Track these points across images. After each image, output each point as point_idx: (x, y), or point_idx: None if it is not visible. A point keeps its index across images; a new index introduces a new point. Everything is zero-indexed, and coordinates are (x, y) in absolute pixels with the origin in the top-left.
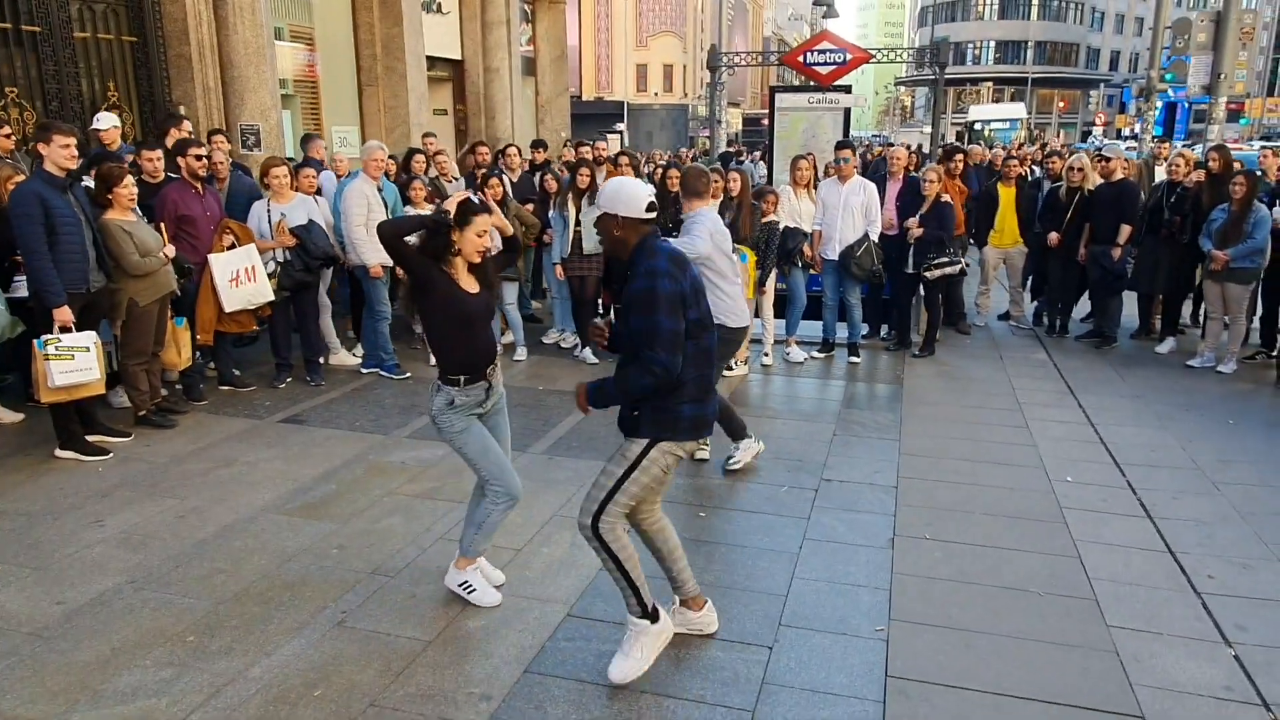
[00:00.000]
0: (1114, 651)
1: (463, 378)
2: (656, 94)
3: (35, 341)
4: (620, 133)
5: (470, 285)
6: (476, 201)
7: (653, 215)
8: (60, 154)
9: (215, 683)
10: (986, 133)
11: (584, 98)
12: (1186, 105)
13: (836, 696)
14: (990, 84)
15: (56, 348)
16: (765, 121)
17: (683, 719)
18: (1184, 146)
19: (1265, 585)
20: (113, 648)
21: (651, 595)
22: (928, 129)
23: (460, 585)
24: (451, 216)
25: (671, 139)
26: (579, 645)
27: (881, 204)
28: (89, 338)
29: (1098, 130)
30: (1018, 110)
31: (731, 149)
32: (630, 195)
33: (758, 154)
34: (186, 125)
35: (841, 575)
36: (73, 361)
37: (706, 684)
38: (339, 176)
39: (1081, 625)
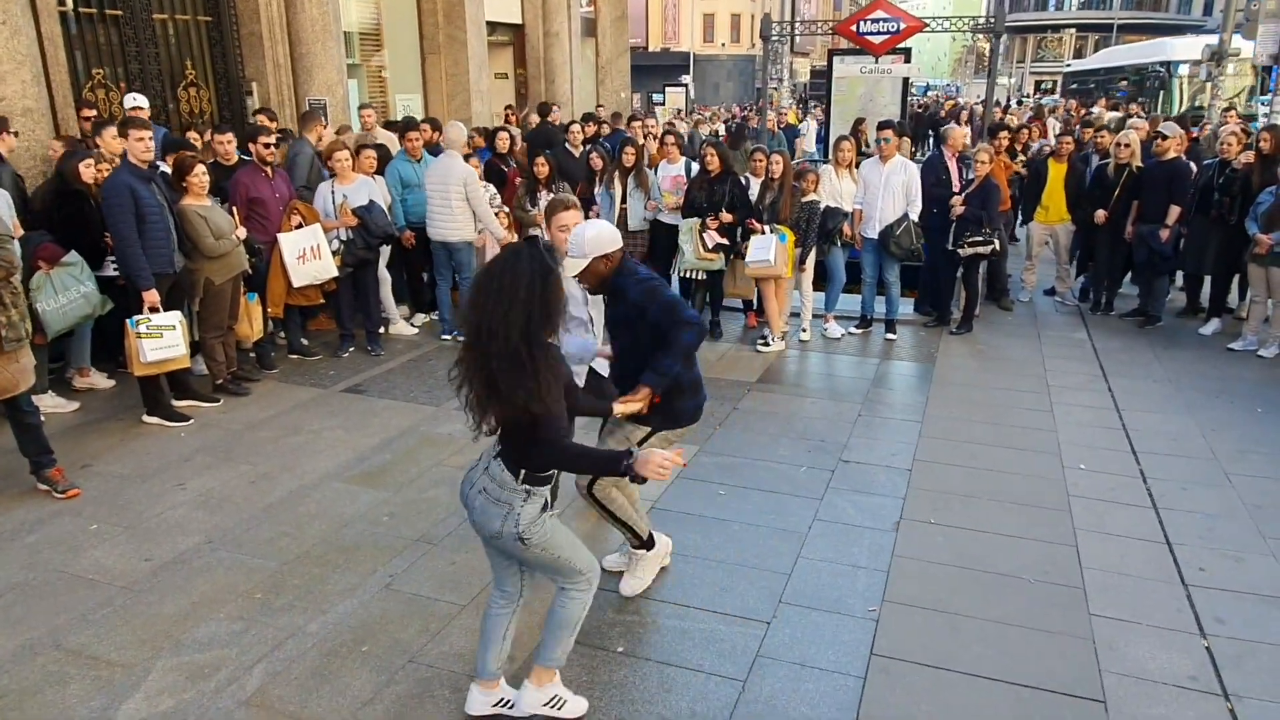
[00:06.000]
0: (1090, 639)
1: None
2: (724, 44)
3: (128, 321)
4: (685, 85)
5: None
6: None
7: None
8: (136, 148)
9: (278, 636)
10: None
11: (649, 49)
12: None
13: (822, 671)
14: (1072, 30)
15: (147, 327)
16: None
17: (681, 685)
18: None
19: (1254, 578)
20: (192, 602)
21: (647, 524)
22: (1004, 80)
23: (548, 704)
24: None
25: (738, 91)
26: (593, 614)
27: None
28: (174, 317)
29: None
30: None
31: (740, 117)
32: (611, 235)
33: (818, 109)
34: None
35: (845, 556)
36: (162, 340)
37: (705, 655)
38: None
39: (1065, 613)
